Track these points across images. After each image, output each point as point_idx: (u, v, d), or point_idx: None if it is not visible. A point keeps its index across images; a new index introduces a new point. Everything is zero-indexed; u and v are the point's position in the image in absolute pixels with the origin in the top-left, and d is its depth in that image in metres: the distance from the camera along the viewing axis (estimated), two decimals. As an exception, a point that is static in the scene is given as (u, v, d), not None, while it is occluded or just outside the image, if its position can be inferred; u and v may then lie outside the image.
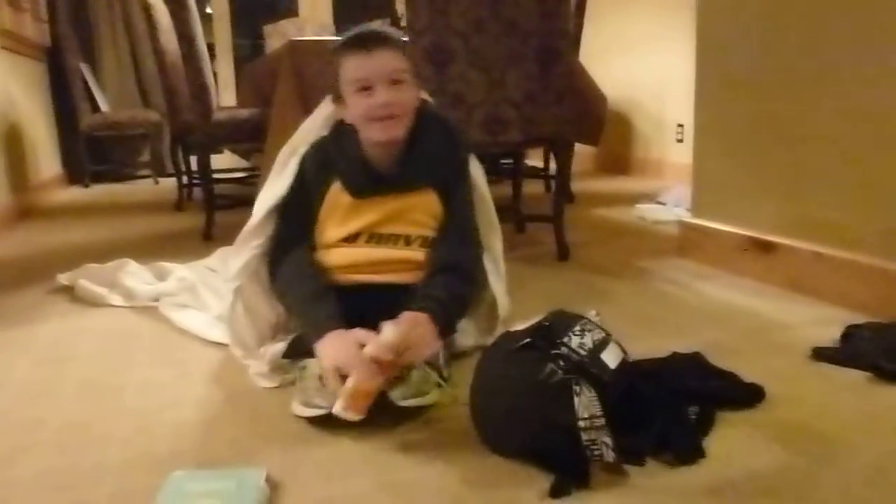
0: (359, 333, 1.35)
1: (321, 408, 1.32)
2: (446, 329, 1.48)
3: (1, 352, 1.82)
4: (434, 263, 1.54)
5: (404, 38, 1.60)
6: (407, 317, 1.38)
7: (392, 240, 1.57)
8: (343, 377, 1.29)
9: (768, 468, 1.16)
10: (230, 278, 1.64)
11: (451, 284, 1.50)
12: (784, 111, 2.14)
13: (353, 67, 1.49)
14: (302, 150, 1.63)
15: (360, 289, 1.53)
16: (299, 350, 1.50)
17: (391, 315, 1.38)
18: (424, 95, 1.69)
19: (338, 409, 1.27)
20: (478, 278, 1.63)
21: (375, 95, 1.47)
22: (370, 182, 1.54)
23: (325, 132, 1.64)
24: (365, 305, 1.44)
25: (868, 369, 1.51)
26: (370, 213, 1.55)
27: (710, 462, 1.18)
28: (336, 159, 1.56)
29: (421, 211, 1.58)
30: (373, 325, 1.37)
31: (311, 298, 1.47)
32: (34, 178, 4.37)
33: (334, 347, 1.34)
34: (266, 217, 1.62)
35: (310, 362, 1.43)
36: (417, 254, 1.57)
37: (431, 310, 1.42)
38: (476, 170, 1.72)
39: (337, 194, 1.56)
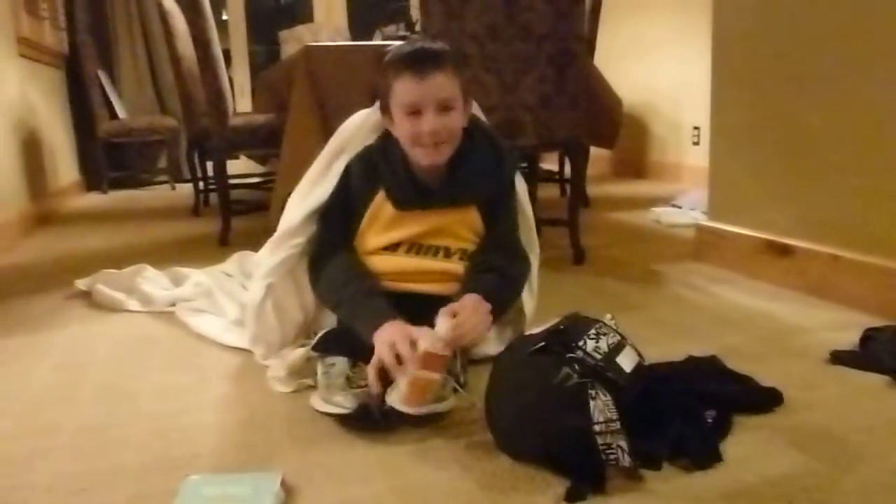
0: (412, 329, 1.36)
1: (342, 407, 1.32)
2: (496, 316, 1.49)
3: (20, 356, 1.84)
4: (479, 266, 1.56)
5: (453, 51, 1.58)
6: (466, 302, 1.40)
7: (432, 251, 1.58)
8: (382, 372, 1.33)
9: (786, 473, 1.14)
10: (264, 274, 1.64)
11: (496, 281, 1.52)
12: (801, 114, 2.13)
13: (404, 90, 1.46)
14: (346, 156, 1.63)
15: (399, 296, 1.53)
16: (330, 346, 1.51)
17: (428, 324, 1.39)
18: (476, 110, 1.68)
19: (394, 399, 1.30)
20: (520, 287, 1.64)
21: (423, 121, 1.44)
22: (415, 196, 1.54)
23: (372, 138, 1.63)
24: (403, 313, 1.44)
25: (887, 373, 1.49)
26: (412, 225, 1.56)
27: (726, 467, 1.17)
28: (382, 170, 1.55)
29: (462, 226, 1.59)
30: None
31: (363, 295, 1.48)
32: (53, 184, 4.41)
33: (392, 335, 1.35)
34: (307, 218, 1.62)
35: (339, 360, 1.44)
36: (457, 266, 1.58)
37: (486, 294, 1.44)
38: (521, 187, 1.71)
39: (380, 204, 1.56)
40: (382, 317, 1.40)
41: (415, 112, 1.45)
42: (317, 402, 1.37)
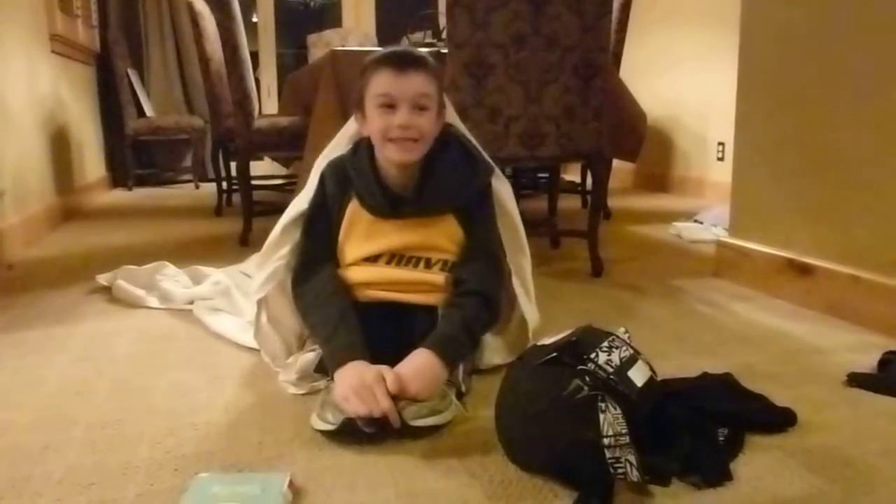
0: (369, 373, 1.34)
1: (329, 423, 1.32)
2: (455, 363, 1.47)
3: (39, 349, 1.86)
4: (456, 287, 1.54)
5: (436, 62, 1.59)
6: (415, 363, 1.38)
7: (413, 262, 1.58)
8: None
9: (798, 495, 1.13)
10: (255, 290, 1.67)
11: (469, 313, 1.49)
12: (825, 133, 2.11)
13: (381, 83, 1.48)
14: (323, 164, 1.65)
15: (382, 306, 1.54)
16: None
17: (411, 335, 1.45)
18: (453, 117, 1.68)
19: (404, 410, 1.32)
20: (500, 303, 1.61)
21: (397, 115, 1.47)
22: (387, 203, 1.54)
23: (348, 147, 1.65)
24: (386, 323, 1.48)
25: (905, 397, 1.47)
26: (391, 236, 1.56)
27: (737, 485, 1.16)
28: (353, 177, 1.57)
29: (442, 236, 1.58)
30: (394, 343, 1.43)
31: (333, 322, 1.46)
32: (80, 180, 4.46)
33: (350, 377, 1.34)
34: (286, 229, 1.65)
35: None
36: (438, 277, 1.57)
37: (442, 347, 1.41)
38: (504, 190, 1.70)
39: (356, 211, 1.57)
40: (346, 355, 1.39)
41: (388, 105, 1.48)
42: (312, 418, 1.37)
